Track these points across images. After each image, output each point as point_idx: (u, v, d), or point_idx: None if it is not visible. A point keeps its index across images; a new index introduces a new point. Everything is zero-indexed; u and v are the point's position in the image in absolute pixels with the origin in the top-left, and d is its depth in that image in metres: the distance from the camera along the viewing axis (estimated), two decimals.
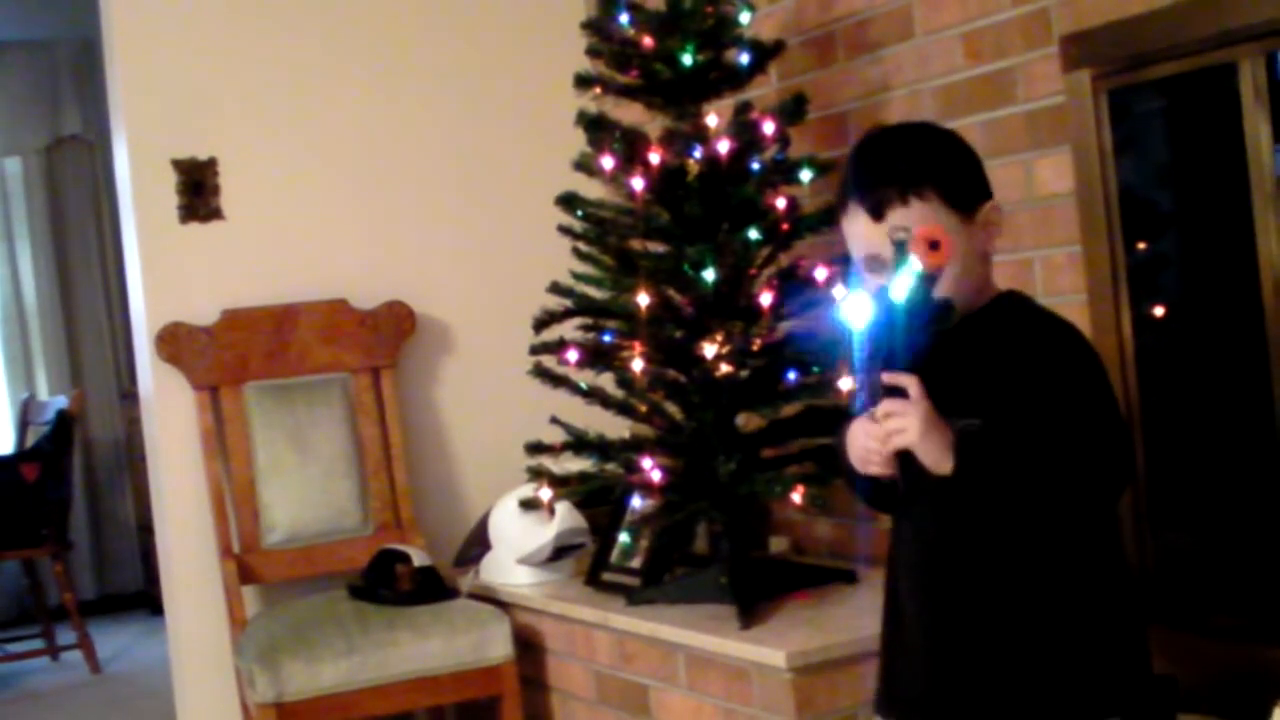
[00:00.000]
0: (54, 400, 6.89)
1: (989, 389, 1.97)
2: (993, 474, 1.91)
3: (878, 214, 2.02)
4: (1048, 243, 3.15)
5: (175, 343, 4.11)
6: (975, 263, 2.05)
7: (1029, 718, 1.99)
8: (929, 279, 1.88)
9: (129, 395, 7.34)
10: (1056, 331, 2.05)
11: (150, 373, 4.19)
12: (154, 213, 4.19)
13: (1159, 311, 2.99)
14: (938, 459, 1.88)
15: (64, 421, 6.42)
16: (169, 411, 4.17)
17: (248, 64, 4.31)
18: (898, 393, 1.89)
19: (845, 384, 3.28)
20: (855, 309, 1.90)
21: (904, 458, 1.91)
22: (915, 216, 1.99)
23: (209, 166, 4.24)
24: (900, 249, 1.91)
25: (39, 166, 7.91)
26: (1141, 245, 2.99)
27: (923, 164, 2.04)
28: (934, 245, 1.88)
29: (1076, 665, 1.99)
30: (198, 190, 4.23)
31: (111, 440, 7.90)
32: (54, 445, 6.39)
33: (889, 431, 1.90)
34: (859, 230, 2.05)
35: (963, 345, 2.01)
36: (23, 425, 7.05)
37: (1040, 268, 3.18)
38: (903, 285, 1.88)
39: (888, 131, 2.23)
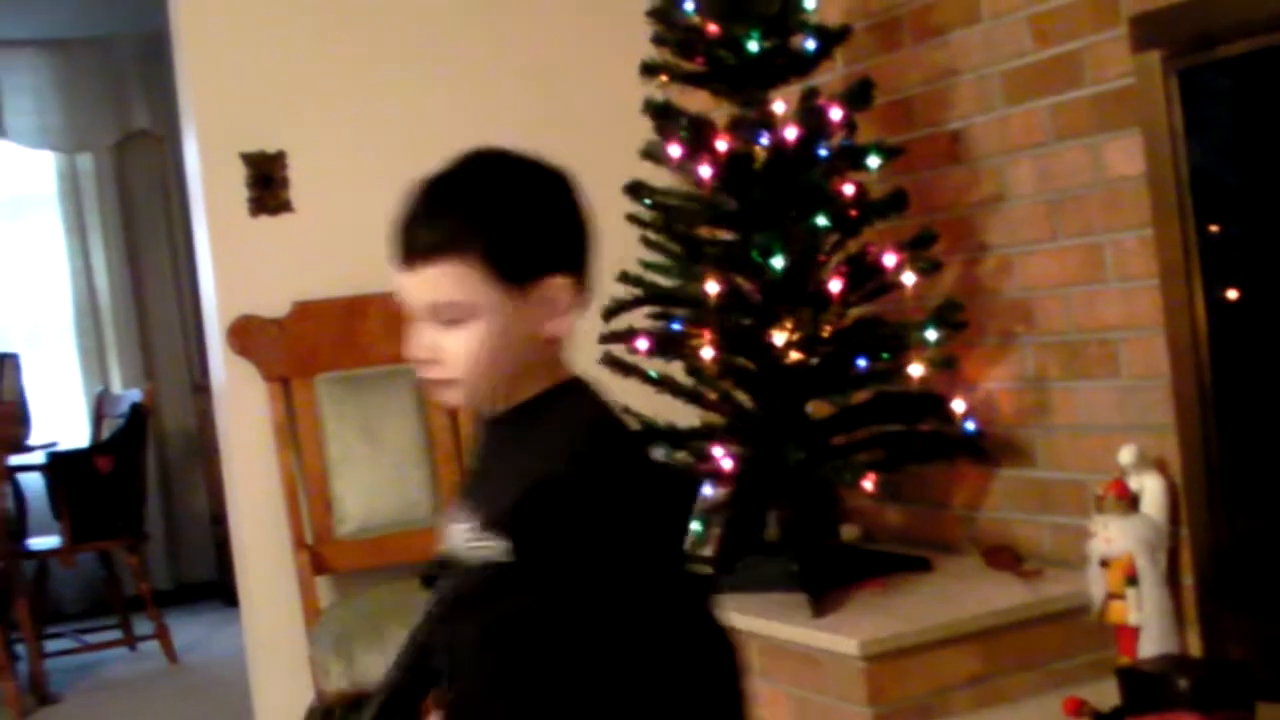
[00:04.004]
0: (127, 393, 6.97)
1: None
2: None
3: (407, 263, 1.66)
4: (1118, 226, 3.13)
5: (247, 335, 4.14)
6: (519, 347, 1.67)
7: None
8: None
9: (201, 388, 7.40)
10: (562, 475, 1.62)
11: (222, 365, 4.22)
12: (224, 206, 4.22)
13: (1232, 294, 2.96)
14: None
15: (137, 414, 6.48)
16: (241, 403, 4.20)
17: (315, 56, 4.33)
18: None
19: (917, 369, 3.27)
20: None
21: None
22: (437, 279, 1.64)
23: (278, 160, 4.26)
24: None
25: (109, 162, 7.96)
26: (1214, 227, 2.96)
27: (472, 212, 1.67)
28: None
29: None
30: (267, 183, 4.25)
31: (184, 432, 7.97)
32: (128, 438, 6.46)
33: None
34: (397, 280, 1.69)
35: (500, 446, 1.72)
36: (97, 418, 7.12)
37: (1111, 251, 3.16)
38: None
39: (457, 162, 1.80)
